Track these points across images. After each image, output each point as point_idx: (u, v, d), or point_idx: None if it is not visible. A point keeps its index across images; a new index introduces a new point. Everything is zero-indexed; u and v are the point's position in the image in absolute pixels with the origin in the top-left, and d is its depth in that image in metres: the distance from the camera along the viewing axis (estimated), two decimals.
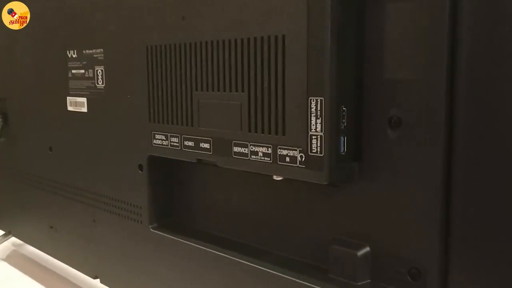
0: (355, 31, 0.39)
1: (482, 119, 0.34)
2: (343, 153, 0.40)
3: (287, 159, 0.42)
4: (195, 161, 0.50)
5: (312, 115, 0.39)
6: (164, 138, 0.53)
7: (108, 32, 0.59)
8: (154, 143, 0.54)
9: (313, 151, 0.40)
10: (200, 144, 0.49)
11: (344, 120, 0.40)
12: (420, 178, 0.37)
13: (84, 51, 0.63)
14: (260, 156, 0.44)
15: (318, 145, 0.39)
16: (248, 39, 0.43)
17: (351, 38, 0.39)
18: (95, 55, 0.61)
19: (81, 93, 0.65)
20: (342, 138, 0.40)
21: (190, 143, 0.50)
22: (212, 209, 0.54)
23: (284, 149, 0.42)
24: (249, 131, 0.44)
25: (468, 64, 0.34)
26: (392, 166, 0.39)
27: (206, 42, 0.47)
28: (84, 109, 0.65)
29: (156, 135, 0.54)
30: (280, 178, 0.45)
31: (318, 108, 0.39)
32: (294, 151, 0.41)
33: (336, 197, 0.43)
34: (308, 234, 0.45)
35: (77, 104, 0.66)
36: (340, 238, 0.42)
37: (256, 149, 0.44)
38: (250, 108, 0.44)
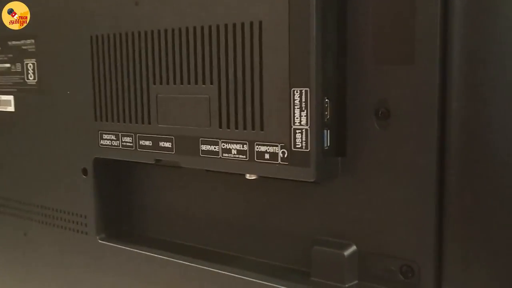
0: (337, 14, 0.37)
1: (477, 109, 0.33)
2: (326, 148, 0.37)
3: (266, 156, 0.38)
4: (152, 162, 0.45)
5: (296, 107, 0.36)
6: (114, 138, 0.47)
7: (41, 21, 0.52)
8: (102, 144, 0.49)
9: (297, 146, 0.37)
10: (160, 143, 0.44)
11: (327, 113, 0.37)
12: (412, 172, 0.35)
13: (9, 43, 0.56)
14: (234, 154, 0.40)
15: (303, 139, 0.36)
16: (218, 26, 0.39)
17: (333, 23, 0.37)
18: (24, 47, 0.54)
19: (7, 90, 0.57)
20: (325, 132, 0.37)
21: (147, 143, 0.45)
22: (172, 214, 0.50)
23: (263, 145, 0.38)
24: (220, 127, 0.40)
25: (462, 48, 0.33)
26: (379, 161, 0.37)
27: (166, 30, 0.42)
28: (11, 108, 0.57)
29: (103, 135, 0.48)
30: (253, 177, 0.41)
31: (303, 100, 0.36)
32: (274, 147, 0.38)
33: (316, 195, 0.40)
34: (286, 236, 0.42)
35: (1, 102, 0.58)
36: (323, 239, 0.40)
37: (229, 146, 0.40)
38: (220, 102, 0.40)
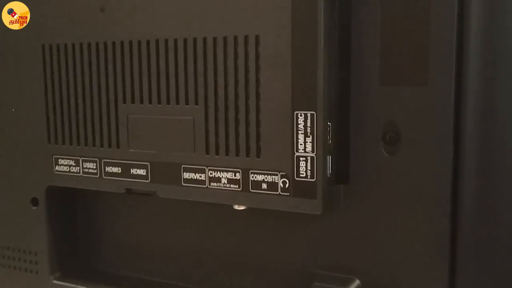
0: (340, 30, 0.33)
1: (495, 132, 0.31)
2: (329, 176, 0.34)
3: (264, 186, 0.34)
4: (122, 192, 0.40)
5: (300, 132, 0.33)
6: (74, 164, 0.41)
7: None
8: (57, 171, 0.42)
9: (301, 175, 0.33)
10: (131, 170, 0.39)
11: (329, 137, 0.34)
12: (423, 201, 0.33)
13: None
14: (224, 184, 0.35)
15: (308, 168, 0.33)
16: (205, 40, 0.35)
17: (336, 39, 0.33)
18: None
19: None
20: (328, 158, 0.34)
21: (116, 169, 0.39)
22: (138, 247, 0.44)
23: (259, 173, 0.34)
24: (207, 153, 0.36)
25: (478, 68, 0.31)
26: (386, 188, 0.34)
27: (139, 42, 0.37)
28: None
29: (59, 160, 0.42)
30: (241, 208, 0.37)
31: (308, 124, 0.32)
32: (273, 176, 0.34)
33: (314, 226, 0.37)
34: (279, 272, 0.38)
35: None
36: (322, 274, 0.37)
37: (218, 174, 0.36)
38: (207, 125, 0.35)
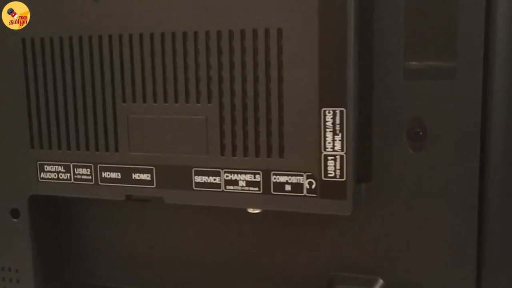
0: (363, 22, 0.32)
1: None
2: None
3: (287, 187, 0.32)
4: (122, 199, 0.36)
5: (328, 130, 0.31)
6: (63, 170, 0.37)
7: None
8: (42, 178, 0.38)
9: (329, 175, 0.31)
10: (133, 176, 0.36)
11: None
12: (449, 198, 0.32)
13: None
14: (243, 186, 0.33)
15: (337, 167, 0.31)
16: (219, 33, 0.32)
17: (361, 30, 0.32)
18: None
19: None
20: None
21: (114, 175, 0.36)
22: (132, 256, 0.41)
23: (282, 175, 0.32)
24: (222, 154, 0.33)
25: (507, 61, 0.31)
26: (411, 186, 0.33)
27: (141, 35, 0.34)
28: None
29: (45, 166, 0.38)
30: (257, 211, 0.35)
31: (337, 122, 0.31)
32: (298, 177, 0.32)
33: (334, 226, 0.35)
34: (298, 276, 0.37)
35: None
36: (343, 275, 0.35)
37: (235, 177, 0.33)
38: (223, 124, 0.33)
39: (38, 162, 0.38)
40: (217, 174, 0.34)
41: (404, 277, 0.34)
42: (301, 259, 0.36)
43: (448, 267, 0.33)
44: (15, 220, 0.39)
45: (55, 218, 0.42)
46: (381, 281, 0.35)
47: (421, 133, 0.32)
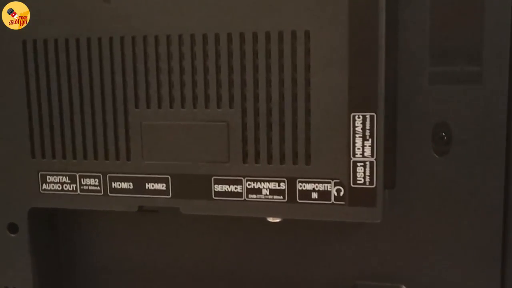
0: (389, 26, 0.31)
1: None
2: None
3: (314, 195, 0.31)
4: (134, 210, 0.34)
5: (357, 135, 0.30)
6: (68, 181, 0.35)
7: None
8: (44, 190, 0.35)
9: (359, 182, 0.31)
10: (147, 185, 0.34)
11: None
12: (475, 204, 0.32)
13: None
14: (266, 195, 0.32)
15: (367, 173, 0.30)
16: (242, 35, 0.31)
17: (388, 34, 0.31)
18: None
19: None
20: None
21: (126, 185, 0.34)
22: (144, 272, 0.39)
23: (308, 182, 0.31)
24: (245, 162, 0.32)
25: None
26: (435, 191, 0.33)
27: (157, 37, 0.32)
28: None
29: (47, 177, 0.35)
30: (277, 220, 0.34)
31: (367, 127, 0.30)
32: (325, 184, 0.31)
33: (356, 234, 0.34)
34: (320, 285, 0.36)
35: None
36: (365, 284, 0.35)
37: (258, 185, 0.32)
38: (246, 131, 0.32)
39: (40, 173, 0.35)
40: (239, 182, 0.32)
41: (428, 284, 0.34)
42: (324, 267, 0.35)
43: (473, 272, 0.33)
44: (13, 235, 0.37)
45: (54, 233, 0.39)
46: None
47: (445, 138, 0.32)
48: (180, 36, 0.32)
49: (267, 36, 0.30)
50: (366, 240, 0.34)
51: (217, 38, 0.31)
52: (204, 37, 0.31)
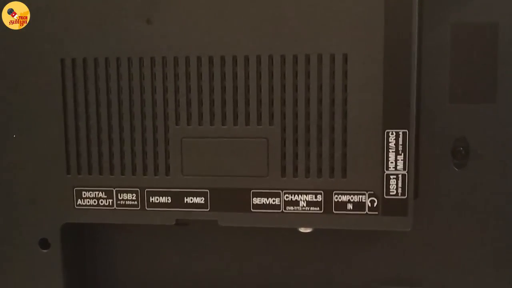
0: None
1: None
2: None
3: (349, 206, 0.34)
4: (172, 223, 0.35)
5: (391, 150, 0.33)
6: (104, 196, 0.36)
7: None
8: (79, 205, 0.36)
9: (391, 193, 0.33)
10: (185, 199, 0.35)
11: None
12: (492, 213, 0.35)
13: None
14: (303, 207, 0.34)
15: (399, 185, 0.33)
16: (283, 57, 0.33)
17: None
18: None
19: None
20: None
21: (164, 199, 0.35)
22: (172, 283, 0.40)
23: (344, 194, 0.33)
24: (283, 176, 0.34)
25: None
26: (454, 201, 0.36)
27: (199, 58, 0.34)
28: None
29: (83, 192, 0.36)
30: (308, 230, 0.36)
31: (400, 143, 0.33)
32: (360, 196, 0.33)
33: (381, 242, 0.37)
34: None
35: None
36: None
37: (296, 198, 0.34)
38: (285, 146, 0.34)
39: (75, 189, 0.36)
40: (277, 195, 0.34)
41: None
42: (348, 274, 0.38)
43: (489, 279, 0.36)
44: (44, 251, 0.37)
45: (82, 248, 0.39)
46: None
47: (463, 152, 0.35)
48: (222, 58, 0.33)
49: (307, 58, 0.33)
50: (389, 247, 0.37)
51: (258, 59, 0.33)
52: (246, 58, 0.33)
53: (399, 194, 0.33)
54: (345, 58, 0.32)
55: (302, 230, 0.36)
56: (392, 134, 0.33)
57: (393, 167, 0.33)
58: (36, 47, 0.35)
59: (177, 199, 0.35)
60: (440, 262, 0.36)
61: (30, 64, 0.35)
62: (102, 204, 0.36)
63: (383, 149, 0.33)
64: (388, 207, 0.33)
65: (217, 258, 0.39)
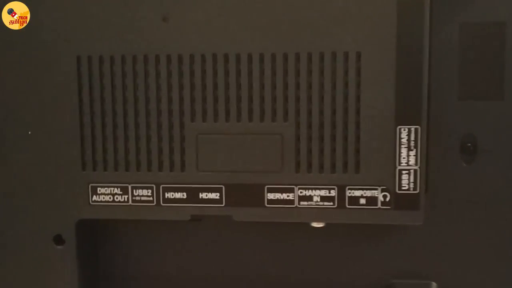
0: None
1: None
2: None
3: (362, 201, 0.34)
4: (187, 219, 0.36)
5: (403, 146, 0.33)
6: (120, 192, 0.36)
7: None
8: (94, 201, 0.36)
9: (403, 188, 0.34)
10: (200, 195, 0.35)
11: None
12: (500, 208, 0.36)
13: None
14: (317, 202, 0.35)
15: (411, 180, 0.34)
16: (297, 55, 0.34)
17: None
18: None
19: None
20: None
21: (179, 195, 0.36)
22: (186, 280, 0.40)
23: (357, 189, 0.34)
24: (297, 171, 0.34)
25: None
26: (463, 196, 0.37)
27: (215, 55, 0.34)
28: None
29: (98, 188, 0.36)
30: (321, 225, 0.37)
31: (412, 138, 0.33)
32: (373, 191, 0.34)
33: (391, 237, 0.38)
34: (355, 285, 0.39)
35: None
36: (401, 282, 0.38)
37: (310, 193, 0.35)
38: (299, 143, 0.34)
39: (90, 185, 0.36)
40: (291, 190, 0.35)
41: (459, 283, 0.37)
42: (360, 269, 0.38)
43: (501, 274, 0.37)
44: (59, 247, 0.37)
45: (96, 245, 0.40)
46: (434, 285, 0.38)
47: (472, 148, 0.36)
48: (237, 55, 0.34)
49: (321, 56, 0.33)
50: (400, 241, 0.38)
51: (273, 57, 0.34)
52: (261, 56, 0.34)
53: (411, 189, 0.34)
54: (359, 56, 0.33)
55: (315, 225, 0.36)
56: (404, 130, 0.33)
57: (405, 163, 0.34)
58: (52, 44, 0.35)
59: (193, 195, 0.35)
60: (449, 256, 0.37)
61: (46, 62, 0.35)
62: (118, 200, 0.36)
63: (395, 145, 0.33)
64: (400, 201, 0.34)
65: (230, 254, 0.40)
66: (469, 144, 0.36)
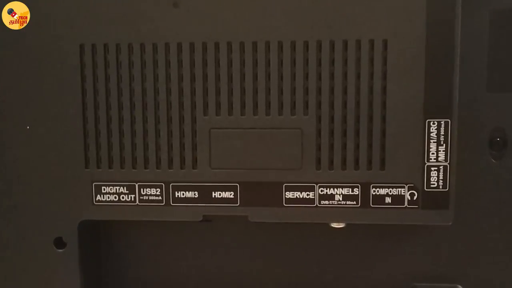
0: None
1: None
2: None
3: (387, 200, 0.32)
4: (199, 220, 0.33)
5: (432, 141, 0.31)
6: (126, 191, 0.33)
7: None
8: (98, 201, 0.34)
9: (432, 185, 0.32)
10: (213, 194, 0.33)
11: None
12: None
13: None
14: (339, 201, 0.32)
15: (441, 177, 0.31)
16: (319, 43, 0.31)
17: None
18: None
19: None
20: None
21: (190, 194, 0.33)
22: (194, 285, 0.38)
23: (382, 187, 0.32)
24: (318, 168, 0.32)
25: None
26: (492, 194, 0.34)
27: (229, 43, 0.32)
28: None
29: (102, 187, 0.34)
30: (341, 226, 0.34)
31: (442, 133, 0.31)
32: (399, 189, 0.32)
33: (414, 237, 0.36)
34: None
35: None
36: (424, 285, 0.36)
37: (331, 191, 0.32)
38: (320, 138, 0.32)
39: (94, 184, 0.34)
40: (311, 189, 0.32)
41: (484, 284, 0.35)
42: (382, 271, 0.36)
43: None
44: (59, 250, 0.35)
45: (99, 247, 0.37)
46: None
47: (501, 142, 0.34)
48: (254, 43, 0.31)
49: (345, 44, 0.31)
50: (424, 243, 0.36)
51: (292, 45, 0.31)
52: (279, 44, 0.31)
53: (440, 187, 0.32)
54: (385, 44, 0.31)
55: (335, 225, 0.34)
56: (433, 123, 0.31)
57: (434, 158, 0.31)
58: (53, 34, 0.32)
59: (205, 194, 0.33)
60: (476, 257, 0.35)
61: (47, 50, 0.33)
62: (124, 199, 0.34)
63: (424, 139, 0.31)
64: (429, 200, 0.32)
65: (241, 255, 0.37)
66: (498, 139, 0.34)
